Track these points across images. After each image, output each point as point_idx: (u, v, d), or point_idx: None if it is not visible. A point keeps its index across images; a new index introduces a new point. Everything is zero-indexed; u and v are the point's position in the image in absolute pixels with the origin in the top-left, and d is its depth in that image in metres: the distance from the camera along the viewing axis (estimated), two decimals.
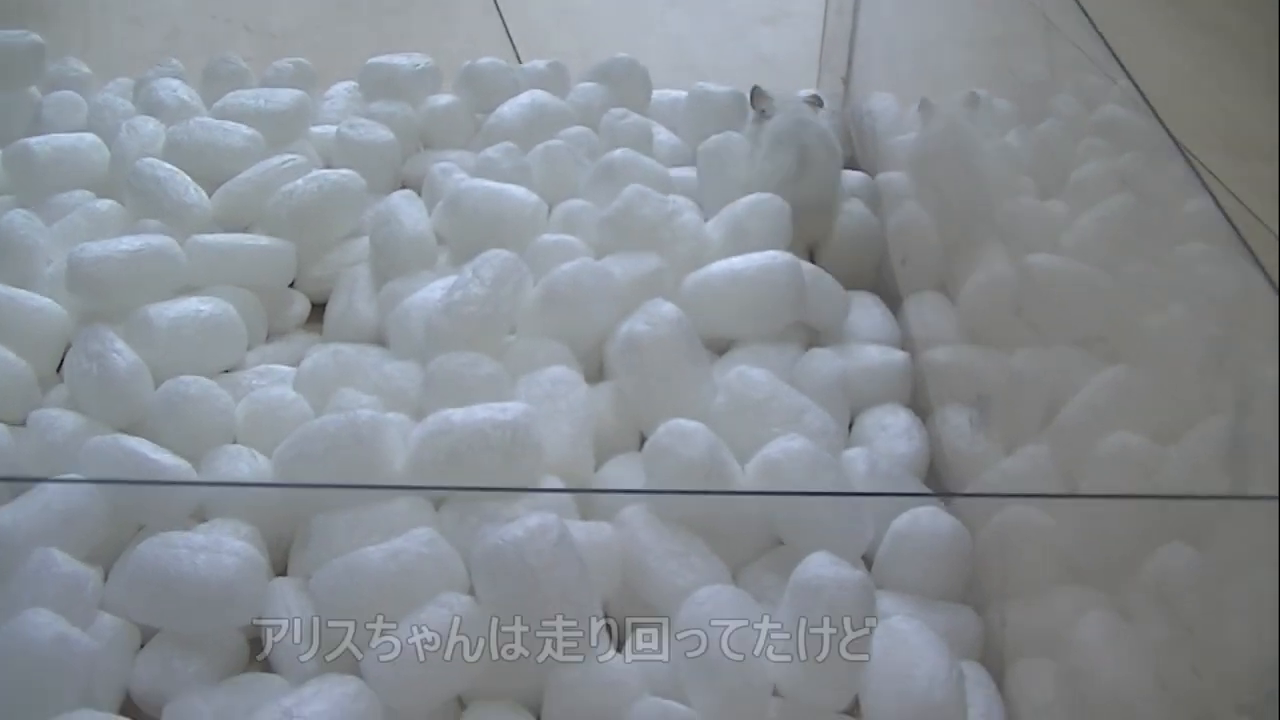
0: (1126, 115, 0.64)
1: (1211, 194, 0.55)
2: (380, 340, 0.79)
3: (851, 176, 0.90)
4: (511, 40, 1.14)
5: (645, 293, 0.75)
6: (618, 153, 0.85)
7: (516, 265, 0.74)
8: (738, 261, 0.76)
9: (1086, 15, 0.66)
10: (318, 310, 0.84)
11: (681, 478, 0.63)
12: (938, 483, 0.72)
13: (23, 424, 0.72)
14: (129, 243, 0.77)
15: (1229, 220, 0.53)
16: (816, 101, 0.91)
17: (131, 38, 1.13)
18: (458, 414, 0.66)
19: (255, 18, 1.16)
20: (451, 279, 0.76)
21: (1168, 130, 0.59)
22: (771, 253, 0.76)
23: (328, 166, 0.92)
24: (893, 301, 0.84)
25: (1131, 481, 0.58)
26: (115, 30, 1.14)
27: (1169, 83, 1.15)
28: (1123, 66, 0.64)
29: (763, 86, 0.91)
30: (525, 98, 0.93)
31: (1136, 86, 0.62)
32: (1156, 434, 0.57)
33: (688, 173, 0.91)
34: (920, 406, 0.76)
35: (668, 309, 0.71)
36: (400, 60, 0.97)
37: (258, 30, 1.14)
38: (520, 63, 1.10)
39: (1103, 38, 0.67)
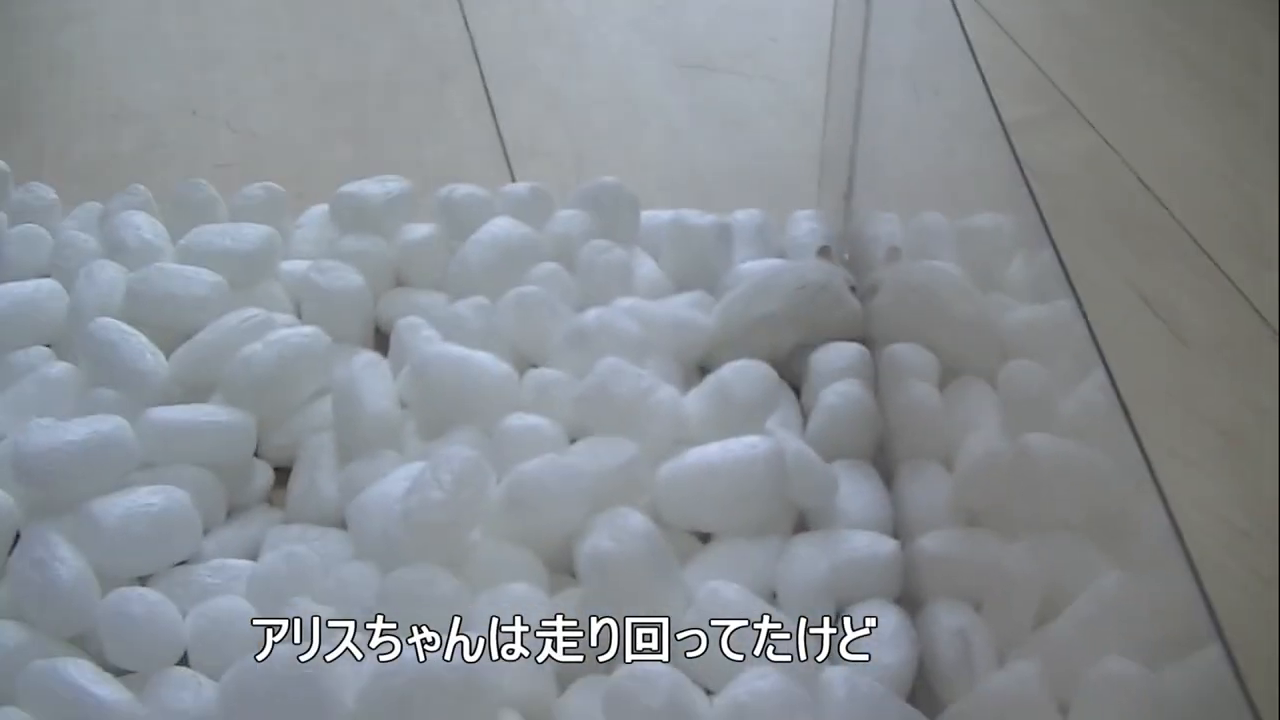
0: None
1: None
2: (342, 522, 0.75)
3: (846, 351, 0.83)
4: (503, 143, 1.08)
5: (618, 486, 0.71)
6: (591, 316, 0.79)
7: (477, 467, 0.69)
8: (713, 452, 0.71)
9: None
10: (283, 474, 0.80)
11: None
12: (928, 695, 0.68)
13: None
14: (76, 431, 0.73)
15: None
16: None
17: (110, 139, 1.09)
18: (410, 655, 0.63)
19: (237, 113, 1.11)
20: (416, 467, 0.72)
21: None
22: (750, 440, 0.71)
23: (297, 310, 0.88)
24: (889, 469, 0.79)
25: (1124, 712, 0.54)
26: (94, 129, 1.10)
27: (1184, 172, 1.06)
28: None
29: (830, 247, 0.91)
30: (488, 236, 0.87)
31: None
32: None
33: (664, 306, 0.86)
34: (913, 598, 0.72)
35: (635, 521, 0.66)
36: (372, 188, 0.91)
37: (239, 129, 1.09)
38: (510, 166, 1.05)
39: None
